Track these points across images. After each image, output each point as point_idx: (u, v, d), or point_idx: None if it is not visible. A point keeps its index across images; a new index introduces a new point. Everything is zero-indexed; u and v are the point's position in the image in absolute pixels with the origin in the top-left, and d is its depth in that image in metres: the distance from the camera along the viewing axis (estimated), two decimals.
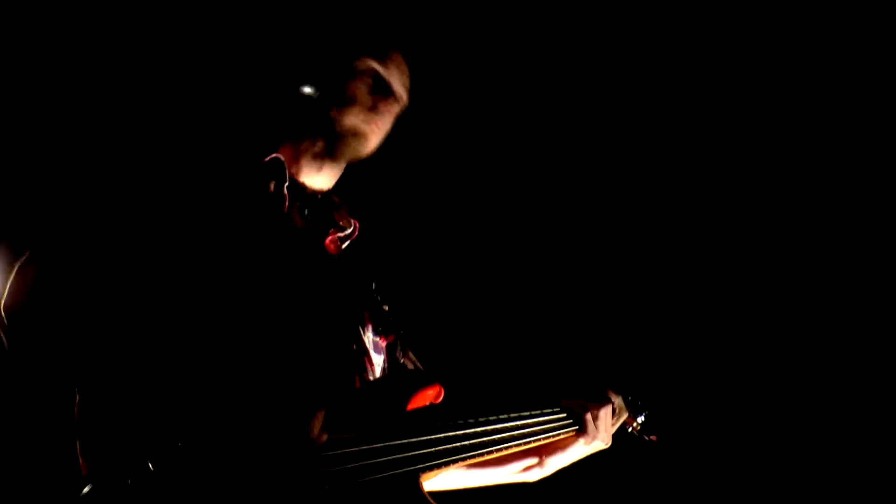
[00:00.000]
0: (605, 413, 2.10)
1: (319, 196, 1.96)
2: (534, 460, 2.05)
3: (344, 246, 1.99)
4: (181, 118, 2.51)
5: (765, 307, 3.28)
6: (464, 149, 3.16)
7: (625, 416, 2.28)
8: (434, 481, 1.95)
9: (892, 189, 3.17)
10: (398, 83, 1.91)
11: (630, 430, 2.35)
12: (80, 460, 1.44)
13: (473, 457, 1.73)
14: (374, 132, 1.89)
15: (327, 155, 1.90)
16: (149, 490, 1.26)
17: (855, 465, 3.12)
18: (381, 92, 1.87)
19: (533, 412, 1.95)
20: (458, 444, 1.69)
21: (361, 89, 1.86)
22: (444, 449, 1.64)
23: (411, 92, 1.97)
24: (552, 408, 2.02)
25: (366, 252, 2.04)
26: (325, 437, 1.42)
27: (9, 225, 2.02)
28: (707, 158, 3.33)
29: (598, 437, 2.07)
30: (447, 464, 1.65)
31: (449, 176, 3.15)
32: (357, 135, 1.87)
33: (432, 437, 1.63)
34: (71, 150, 2.41)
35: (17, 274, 1.53)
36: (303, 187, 1.92)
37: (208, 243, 1.63)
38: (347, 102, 1.84)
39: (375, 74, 1.87)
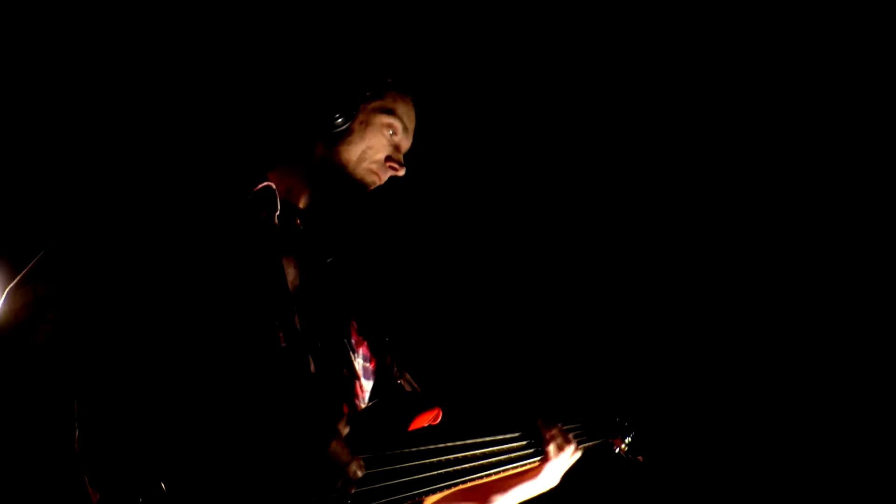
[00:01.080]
0: (569, 451, 2.03)
1: (312, 216, 1.98)
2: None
3: (335, 268, 2.01)
4: (180, 135, 2.51)
5: (748, 325, 3.32)
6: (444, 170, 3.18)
7: (576, 454, 2.10)
8: None
9: (891, 189, 3.20)
10: (407, 146, 2.01)
11: (618, 451, 2.39)
12: (89, 490, 1.43)
13: (463, 482, 1.71)
14: (375, 184, 1.96)
15: (330, 189, 1.94)
16: None
17: (846, 474, 3.16)
18: (396, 153, 1.96)
19: (502, 437, 1.90)
20: (459, 467, 1.69)
21: (382, 144, 1.93)
22: (445, 473, 1.65)
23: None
24: (519, 433, 1.95)
25: (355, 274, 2.06)
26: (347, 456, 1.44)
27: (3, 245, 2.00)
28: (687, 163, 3.35)
29: (555, 473, 2.02)
30: (447, 487, 1.65)
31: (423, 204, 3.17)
32: (362, 185, 1.94)
33: (434, 460, 1.65)
34: (62, 171, 2.39)
35: (8, 296, 1.50)
36: (296, 210, 1.93)
37: (201, 265, 1.62)
38: (367, 153, 1.91)
39: (396, 136, 1.95)
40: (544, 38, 3.19)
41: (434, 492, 1.63)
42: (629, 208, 3.41)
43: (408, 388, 1.87)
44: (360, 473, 1.40)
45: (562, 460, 2.00)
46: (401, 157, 1.98)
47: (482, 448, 1.79)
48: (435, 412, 1.74)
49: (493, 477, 1.81)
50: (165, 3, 2.49)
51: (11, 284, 1.53)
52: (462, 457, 1.72)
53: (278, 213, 1.83)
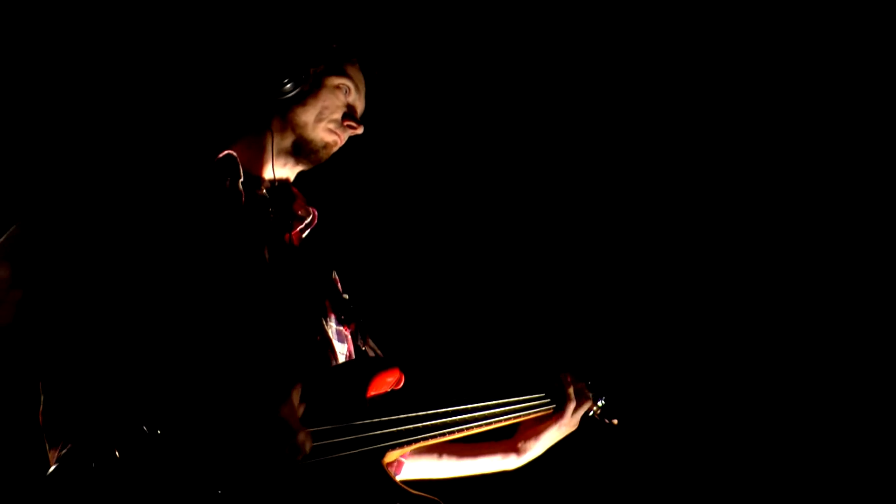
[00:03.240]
0: (582, 396, 2.29)
1: (277, 185, 2.04)
2: (510, 447, 2.19)
3: (304, 235, 2.05)
4: (142, 114, 2.55)
5: (724, 293, 3.36)
6: (419, 131, 3.21)
7: (588, 402, 2.37)
8: (409, 469, 2.03)
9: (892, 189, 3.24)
10: (361, 107, 2.07)
11: (591, 413, 2.43)
12: (49, 452, 1.49)
13: (438, 436, 1.81)
14: (337, 145, 2.03)
15: (292, 154, 2.00)
16: (114, 475, 1.30)
17: (829, 432, 3.19)
18: (351, 112, 2.02)
19: (503, 401, 2.09)
20: (421, 424, 1.76)
21: (336, 105, 1.99)
22: (405, 429, 1.71)
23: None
24: (526, 394, 2.18)
25: (325, 241, 2.11)
26: (301, 412, 1.50)
27: None
28: (674, 153, 3.39)
29: (572, 419, 2.25)
30: (408, 443, 1.71)
31: (406, 158, 3.20)
32: (325, 145, 2.00)
33: (393, 418, 1.70)
34: (26, 149, 2.44)
35: None
36: (261, 180, 1.98)
37: (168, 237, 1.67)
38: (321, 112, 1.97)
39: (349, 95, 2.02)
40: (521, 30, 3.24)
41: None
42: (610, 175, 3.43)
43: (371, 354, 1.92)
44: (307, 445, 1.46)
45: (580, 403, 2.27)
46: (357, 116, 2.03)
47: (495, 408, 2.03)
48: (395, 374, 1.78)
49: (511, 421, 2.09)
50: None
51: None
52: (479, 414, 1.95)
53: (242, 179, 1.88)
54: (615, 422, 2.47)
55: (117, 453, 1.28)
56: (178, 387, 1.47)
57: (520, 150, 3.33)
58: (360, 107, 2.07)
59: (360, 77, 2.07)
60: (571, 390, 2.28)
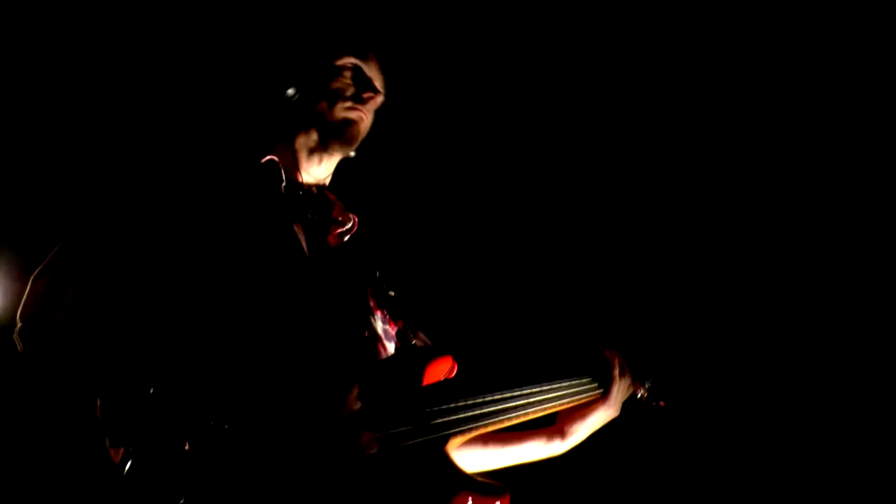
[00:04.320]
0: (627, 379, 2.25)
1: (316, 192, 2.05)
2: (554, 431, 2.15)
3: (345, 240, 2.07)
4: (176, 126, 2.58)
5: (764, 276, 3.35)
6: (451, 132, 3.22)
7: (633, 384, 2.35)
8: (456, 461, 2.02)
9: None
10: (377, 78, 2.07)
11: (639, 396, 2.41)
12: (111, 452, 1.49)
13: (498, 422, 1.82)
14: (361, 120, 2.03)
15: (321, 147, 2.01)
16: (185, 469, 1.31)
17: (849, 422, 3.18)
18: (363, 84, 2.02)
19: (553, 383, 2.08)
20: (480, 411, 1.77)
21: (346, 83, 2.01)
22: (466, 416, 1.72)
23: (391, 87, 2.12)
24: (574, 376, 2.15)
25: (366, 244, 2.12)
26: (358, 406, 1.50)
27: (20, 237, 2.08)
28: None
29: (617, 402, 2.22)
30: (469, 430, 1.72)
31: (442, 152, 3.21)
32: (347, 124, 2.00)
33: (453, 406, 1.70)
34: (71, 159, 2.47)
35: (33, 283, 1.61)
36: (300, 185, 2.00)
37: (216, 243, 1.69)
38: (334, 96, 1.99)
39: (356, 69, 2.03)
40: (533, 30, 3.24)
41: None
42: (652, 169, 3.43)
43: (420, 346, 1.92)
44: (373, 445, 1.49)
45: (623, 386, 2.23)
46: (374, 86, 2.03)
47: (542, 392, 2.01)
48: (448, 362, 1.78)
49: (559, 407, 2.07)
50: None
51: (33, 274, 1.62)
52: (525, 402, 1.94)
53: (284, 183, 1.90)
54: (662, 404, 2.45)
55: (187, 447, 1.28)
56: (240, 383, 1.48)
57: (553, 135, 3.32)
58: (375, 78, 2.07)
59: (364, 51, 2.07)
60: (617, 371, 2.25)
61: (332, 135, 1.99)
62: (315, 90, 1.98)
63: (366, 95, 2.00)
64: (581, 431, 2.19)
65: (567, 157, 3.37)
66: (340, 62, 2.01)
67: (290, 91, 1.96)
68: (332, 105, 1.98)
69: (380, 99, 2.04)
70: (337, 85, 1.99)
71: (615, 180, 3.41)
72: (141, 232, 1.66)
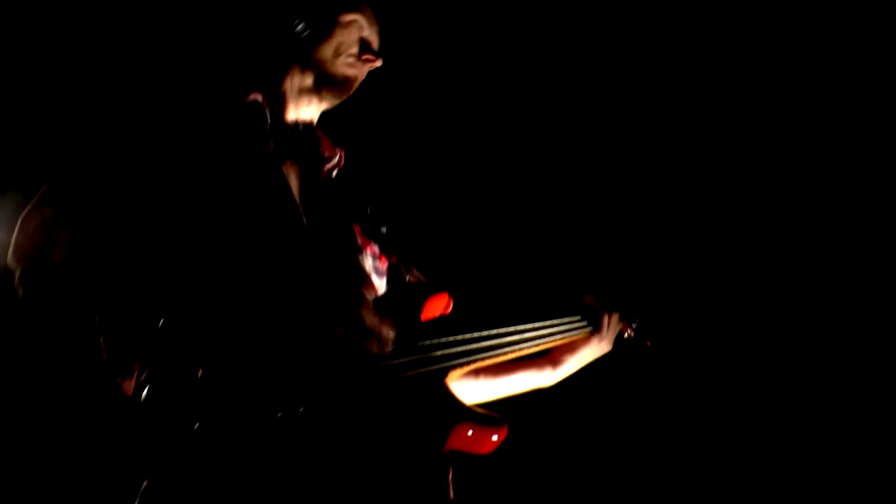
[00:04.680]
0: (616, 316, 2.32)
1: (301, 129, 2.04)
2: (545, 361, 2.22)
3: (333, 175, 2.07)
4: (169, 58, 2.54)
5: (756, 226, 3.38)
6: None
7: (621, 322, 2.39)
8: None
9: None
10: (376, 42, 2.09)
11: (626, 335, 2.45)
12: (124, 386, 1.50)
13: (494, 355, 1.86)
14: (358, 79, 2.05)
15: (315, 92, 2.02)
16: (200, 396, 1.34)
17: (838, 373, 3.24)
18: (366, 46, 2.04)
19: (545, 322, 2.13)
20: (478, 345, 1.81)
21: (352, 40, 2.02)
22: (464, 350, 1.75)
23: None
24: (566, 315, 2.21)
25: (355, 179, 2.12)
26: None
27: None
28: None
29: (607, 339, 2.29)
30: (468, 362, 1.76)
31: (430, 85, 3.20)
32: (346, 79, 2.02)
33: (451, 339, 1.73)
34: (61, 98, 2.43)
35: (22, 224, 1.59)
36: (286, 123, 2.00)
37: (203, 181, 1.68)
38: (339, 48, 2.00)
39: (362, 30, 2.04)
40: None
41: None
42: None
43: (415, 282, 1.93)
44: (391, 334, 1.57)
45: (612, 321, 2.30)
46: (373, 50, 2.05)
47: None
48: (444, 298, 1.80)
49: (552, 343, 2.14)
50: None
51: (23, 213, 1.60)
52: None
53: (269, 122, 1.89)
54: (648, 343, 2.49)
55: (200, 373, 1.30)
56: (238, 316, 1.48)
57: (537, 79, 3.32)
58: (374, 41, 2.09)
59: (370, 13, 2.09)
60: (605, 313, 2.31)
61: (328, 84, 2.00)
62: (321, 35, 1.98)
63: (367, 57, 2.02)
64: (572, 363, 2.26)
65: (561, 103, 3.37)
66: (348, 18, 2.01)
67: (300, 26, 1.96)
68: (335, 56, 1.99)
69: (378, 62, 2.06)
70: (343, 38, 2.00)
71: (606, 131, 3.42)
72: (130, 166, 1.64)
